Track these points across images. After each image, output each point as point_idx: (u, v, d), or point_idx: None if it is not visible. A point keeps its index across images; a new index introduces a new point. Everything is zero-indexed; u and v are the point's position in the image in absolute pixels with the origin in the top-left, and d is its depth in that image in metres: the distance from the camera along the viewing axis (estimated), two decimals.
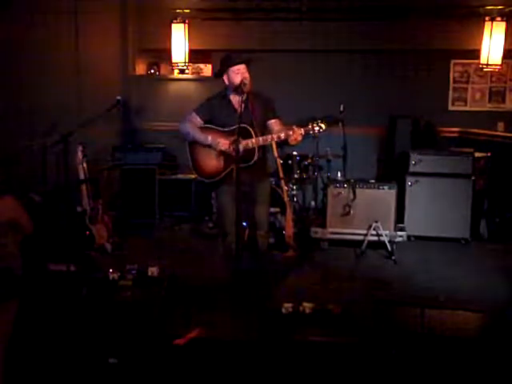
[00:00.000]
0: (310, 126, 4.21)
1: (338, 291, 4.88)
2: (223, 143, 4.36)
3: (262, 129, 4.42)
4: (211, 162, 4.48)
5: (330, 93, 7.19)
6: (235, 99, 4.42)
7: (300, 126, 4.26)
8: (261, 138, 4.33)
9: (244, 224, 5.29)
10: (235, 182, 4.19)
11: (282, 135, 4.26)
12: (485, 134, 7.11)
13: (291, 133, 4.20)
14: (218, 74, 4.48)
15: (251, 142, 4.32)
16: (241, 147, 4.26)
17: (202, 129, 4.50)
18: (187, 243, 6.32)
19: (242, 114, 4.32)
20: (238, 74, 4.36)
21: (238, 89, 4.36)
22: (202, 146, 4.47)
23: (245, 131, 4.31)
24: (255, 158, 4.35)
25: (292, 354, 3.69)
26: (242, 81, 4.33)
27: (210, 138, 4.42)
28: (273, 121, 4.50)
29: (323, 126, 4.16)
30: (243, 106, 4.37)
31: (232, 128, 4.33)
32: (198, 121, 4.51)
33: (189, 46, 7.43)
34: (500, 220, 6.40)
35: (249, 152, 4.33)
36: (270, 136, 4.33)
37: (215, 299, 4.49)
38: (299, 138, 4.23)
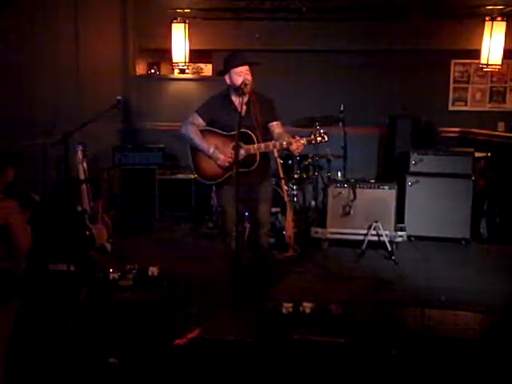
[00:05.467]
0: (313, 137, 4.20)
1: (338, 291, 4.88)
2: (222, 160, 4.36)
3: (263, 131, 4.39)
4: (212, 166, 4.46)
5: (330, 92, 7.20)
6: (237, 100, 4.35)
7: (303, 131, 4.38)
8: (263, 145, 4.30)
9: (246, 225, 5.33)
10: (240, 181, 4.19)
11: (284, 144, 4.21)
12: (485, 134, 7.12)
13: (293, 142, 4.17)
14: (221, 73, 4.44)
15: (253, 148, 4.30)
16: (243, 152, 4.27)
17: (203, 132, 4.47)
18: (187, 243, 6.33)
19: (244, 116, 4.31)
20: (240, 75, 4.31)
21: (238, 90, 4.31)
22: (201, 152, 4.45)
23: (246, 136, 4.30)
24: (257, 162, 4.34)
25: (292, 353, 3.69)
26: (242, 82, 4.28)
27: (211, 150, 4.41)
28: (274, 123, 4.47)
29: (326, 137, 4.18)
30: (245, 107, 4.37)
31: (233, 133, 4.25)
32: (200, 122, 4.47)
33: (189, 45, 7.44)
34: (500, 220, 6.40)
35: (250, 157, 4.32)
36: (272, 143, 4.29)
37: (215, 299, 4.49)
38: (300, 149, 4.20)
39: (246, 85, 4.28)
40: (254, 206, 4.62)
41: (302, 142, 4.18)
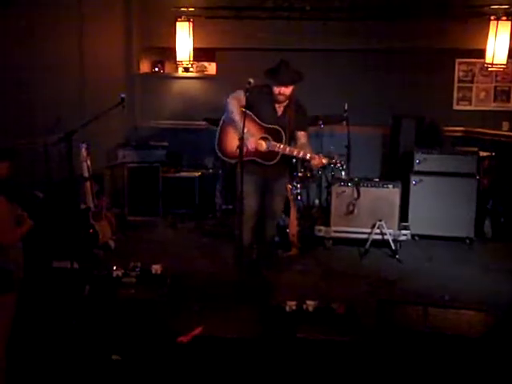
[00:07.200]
0: (334, 160, 4.55)
1: (342, 290, 4.88)
2: (251, 142, 4.55)
3: (290, 136, 4.66)
4: (235, 145, 4.58)
5: (335, 91, 7.18)
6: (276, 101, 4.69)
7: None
8: (288, 148, 4.54)
9: None
10: (260, 173, 4.63)
11: (308, 156, 4.47)
12: (489, 134, 7.10)
13: (316, 158, 4.44)
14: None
15: (278, 147, 4.54)
16: (266, 146, 4.56)
17: (242, 113, 4.59)
18: (190, 241, 6.33)
19: (279, 116, 4.66)
20: (278, 90, 4.58)
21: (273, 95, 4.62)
22: (233, 128, 4.63)
23: (277, 134, 4.57)
24: (275, 160, 4.59)
25: (295, 351, 3.69)
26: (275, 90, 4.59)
27: (246, 129, 4.51)
28: (302, 133, 4.72)
29: (344, 166, 4.80)
30: (282, 109, 4.69)
31: (269, 126, 4.61)
32: (242, 98, 4.56)
33: (193, 44, 7.44)
34: (505, 219, 6.38)
35: (272, 153, 4.57)
36: (296, 150, 4.53)
37: (219, 297, 4.50)
38: (320, 166, 4.60)
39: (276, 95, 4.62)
40: (268, 198, 4.84)
41: (323, 161, 4.46)
